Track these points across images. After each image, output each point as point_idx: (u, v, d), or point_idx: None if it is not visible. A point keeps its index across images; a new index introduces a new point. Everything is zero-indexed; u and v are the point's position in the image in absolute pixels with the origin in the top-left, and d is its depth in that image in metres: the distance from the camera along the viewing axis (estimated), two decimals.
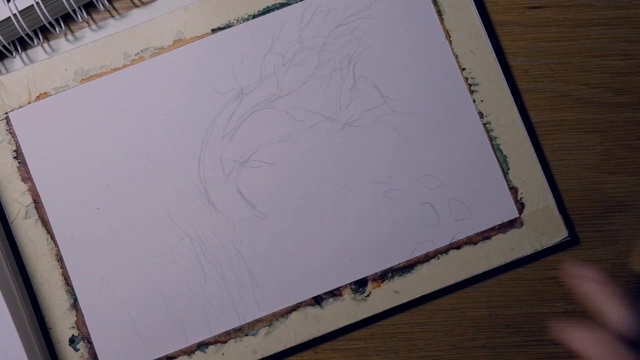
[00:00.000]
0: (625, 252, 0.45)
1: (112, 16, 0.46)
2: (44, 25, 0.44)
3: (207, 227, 0.43)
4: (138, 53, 0.44)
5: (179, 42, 0.44)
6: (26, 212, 0.43)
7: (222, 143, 0.44)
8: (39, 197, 0.43)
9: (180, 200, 0.43)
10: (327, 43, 0.44)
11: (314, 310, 0.43)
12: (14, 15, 0.43)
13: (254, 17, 0.44)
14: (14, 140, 0.43)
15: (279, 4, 0.44)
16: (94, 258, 0.43)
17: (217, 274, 0.43)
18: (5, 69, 0.45)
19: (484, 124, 0.44)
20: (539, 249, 0.43)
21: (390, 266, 0.43)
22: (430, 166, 0.44)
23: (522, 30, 0.46)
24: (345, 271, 0.43)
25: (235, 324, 0.43)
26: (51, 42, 0.45)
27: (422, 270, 0.43)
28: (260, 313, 0.43)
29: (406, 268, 0.43)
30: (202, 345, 0.43)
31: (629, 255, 0.45)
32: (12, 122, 0.43)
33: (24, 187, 0.43)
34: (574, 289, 0.33)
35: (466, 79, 0.44)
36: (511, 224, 0.44)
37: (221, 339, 0.43)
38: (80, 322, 0.43)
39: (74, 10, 0.44)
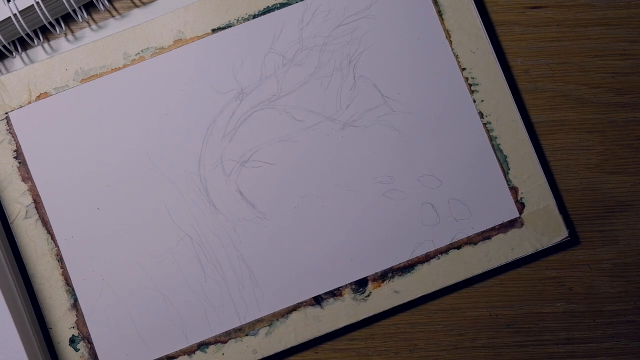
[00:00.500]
0: (626, 252, 0.45)
1: (112, 16, 0.46)
2: (44, 25, 0.44)
3: (207, 227, 0.43)
4: (138, 53, 0.44)
5: (179, 42, 0.44)
6: (26, 212, 0.43)
7: (222, 143, 0.44)
8: (39, 197, 0.43)
9: (180, 200, 0.43)
10: (328, 43, 0.44)
11: (314, 310, 0.43)
12: (14, 15, 0.43)
13: (254, 17, 0.44)
14: (14, 140, 0.43)
15: (279, 4, 0.44)
16: (94, 258, 0.43)
17: (217, 274, 0.43)
18: (6, 69, 0.45)
19: (484, 124, 0.44)
20: (540, 248, 0.43)
21: (390, 266, 0.43)
22: (430, 166, 0.44)
23: (522, 30, 0.46)
24: (345, 271, 0.43)
25: (236, 323, 0.43)
26: (51, 42, 0.45)
27: (422, 270, 0.43)
28: (261, 313, 0.43)
29: (406, 268, 0.43)
30: (202, 345, 0.43)
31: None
32: (12, 122, 0.43)
33: (24, 187, 0.43)
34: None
35: (466, 79, 0.44)
36: (511, 224, 0.44)
37: (221, 339, 0.43)
38: (80, 322, 0.43)
39: (74, 10, 0.44)
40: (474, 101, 0.44)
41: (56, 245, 0.43)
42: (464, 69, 0.44)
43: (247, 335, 0.43)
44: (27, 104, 0.44)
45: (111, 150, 0.43)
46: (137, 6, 0.46)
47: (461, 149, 0.44)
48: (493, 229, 0.43)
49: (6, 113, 0.43)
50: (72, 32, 0.46)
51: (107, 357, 0.42)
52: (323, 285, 0.43)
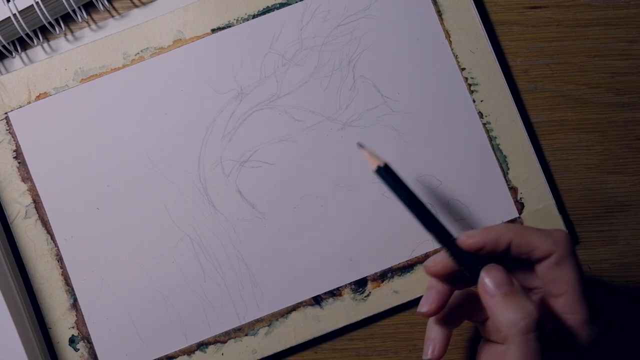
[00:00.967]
0: (625, 252, 0.45)
1: (112, 16, 0.46)
2: (44, 25, 0.44)
3: (207, 227, 0.43)
4: (138, 53, 0.44)
5: (178, 42, 0.44)
6: (26, 212, 0.43)
7: (222, 143, 0.44)
8: (39, 197, 0.43)
9: (179, 200, 0.43)
10: (327, 43, 0.44)
11: (314, 310, 0.43)
12: (14, 15, 0.43)
13: (254, 17, 0.44)
14: (14, 140, 0.43)
15: (279, 4, 0.44)
16: (93, 258, 0.43)
17: (217, 274, 0.43)
18: (5, 69, 0.45)
19: (484, 124, 0.44)
20: None
21: (390, 266, 0.43)
22: (430, 166, 0.44)
23: (522, 30, 0.46)
24: (345, 271, 0.43)
25: (235, 323, 0.43)
26: (51, 42, 0.45)
27: (422, 270, 0.43)
28: (260, 313, 0.43)
29: (406, 268, 0.43)
30: (202, 345, 0.43)
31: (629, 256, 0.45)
32: (12, 122, 0.43)
33: (24, 187, 0.43)
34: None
35: (466, 79, 0.44)
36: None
37: (221, 339, 0.43)
38: (80, 322, 0.43)
39: (73, 10, 0.44)
40: (474, 101, 0.44)
41: (56, 245, 0.43)
42: (463, 69, 0.44)
43: (246, 335, 0.43)
44: (27, 104, 0.44)
45: (111, 150, 0.43)
46: (136, 6, 0.46)
47: (461, 149, 0.44)
48: None
49: (6, 113, 0.43)
50: (72, 32, 0.46)
51: (107, 357, 0.42)
52: (322, 285, 0.43)
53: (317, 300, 0.43)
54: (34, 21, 0.44)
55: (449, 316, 0.37)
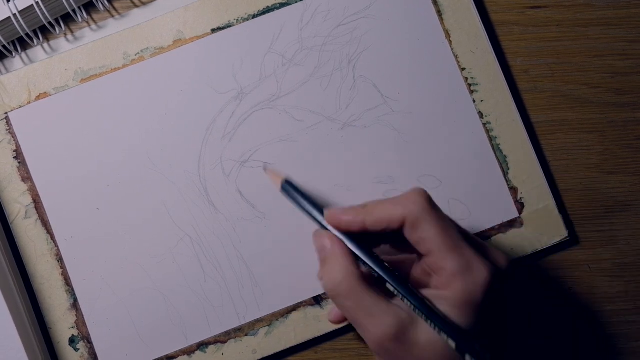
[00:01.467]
0: (625, 252, 0.45)
1: (112, 16, 0.46)
2: (44, 25, 0.44)
3: (207, 227, 0.43)
4: (138, 53, 0.44)
5: (179, 42, 0.44)
6: (26, 212, 0.43)
7: (222, 143, 0.44)
8: (39, 197, 0.43)
9: (180, 200, 0.43)
10: (327, 43, 0.44)
11: (314, 310, 0.43)
12: (14, 15, 0.43)
13: (254, 17, 0.44)
14: (14, 140, 0.43)
15: (279, 4, 0.44)
16: (94, 258, 0.43)
17: (217, 274, 0.43)
18: (5, 69, 0.45)
19: (484, 124, 0.44)
20: (539, 249, 0.43)
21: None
22: (430, 166, 0.44)
23: (522, 30, 0.46)
24: None
25: (235, 323, 0.43)
26: (51, 42, 0.45)
27: None
28: (260, 313, 0.43)
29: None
30: (202, 345, 0.43)
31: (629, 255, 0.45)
32: (12, 122, 0.43)
33: (24, 187, 0.43)
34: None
35: (466, 79, 0.44)
36: (511, 224, 0.44)
37: (221, 339, 0.43)
38: (80, 322, 0.43)
39: (73, 10, 0.44)
40: (474, 101, 0.44)
41: (56, 245, 0.43)
42: (463, 69, 0.44)
43: (246, 335, 0.43)
44: (27, 104, 0.44)
45: (111, 150, 0.43)
46: (136, 6, 0.46)
47: (461, 149, 0.44)
48: (492, 229, 0.43)
49: (6, 113, 0.43)
50: (72, 32, 0.46)
51: (107, 357, 0.42)
52: None
53: (317, 300, 0.43)
54: (34, 21, 0.44)
55: None
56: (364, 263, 0.35)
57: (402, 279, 0.34)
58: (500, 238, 0.43)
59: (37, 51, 0.45)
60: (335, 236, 0.36)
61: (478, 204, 0.44)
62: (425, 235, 0.34)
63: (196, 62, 0.44)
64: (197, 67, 0.44)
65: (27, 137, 0.43)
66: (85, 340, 0.43)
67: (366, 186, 0.44)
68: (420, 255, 0.35)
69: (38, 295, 0.43)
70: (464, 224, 0.43)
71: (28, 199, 0.43)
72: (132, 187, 0.43)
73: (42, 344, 0.42)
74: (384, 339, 0.32)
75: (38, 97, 0.44)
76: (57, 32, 0.45)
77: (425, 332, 0.33)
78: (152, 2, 0.46)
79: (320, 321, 0.43)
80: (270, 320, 0.43)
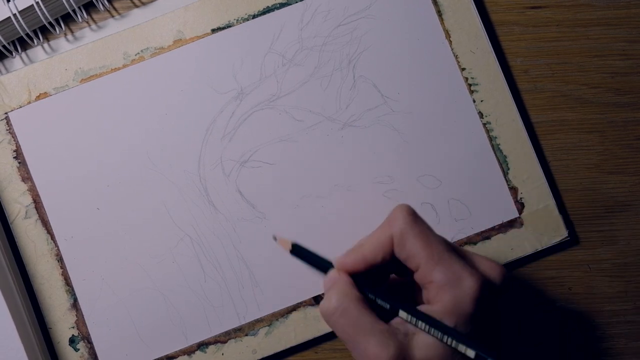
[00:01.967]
0: (625, 252, 0.45)
1: (112, 16, 0.46)
2: (44, 25, 0.44)
3: (207, 227, 0.43)
4: (138, 53, 0.44)
5: (179, 42, 0.44)
6: (26, 212, 0.43)
7: (222, 143, 0.44)
8: (39, 197, 0.43)
9: (180, 200, 0.43)
10: (327, 43, 0.44)
11: (314, 310, 0.43)
12: (14, 15, 0.43)
13: (254, 17, 0.44)
14: (14, 140, 0.43)
15: (279, 4, 0.44)
16: (94, 258, 0.43)
17: (217, 274, 0.43)
18: (5, 69, 0.45)
19: (484, 124, 0.44)
20: (539, 249, 0.43)
21: None
22: (430, 166, 0.44)
23: (522, 30, 0.46)
24: None
25: (235, 324, 0.43)
26: (51, 42, 0.45)
27: None
28: (260, 313, 0.43)
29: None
30: (202, 345, 0.43)
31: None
32: (12, 122, 0.43)
33: (24, 187, 0.43)
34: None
35: (466, 79, 0.44)
36: (511, 224, 0.44)
37: (221, 339, 0.43)
38: (80, 322, 0.43)
39: (74, 10, 0.44)
40: (474, 101, 0.44)
41: (56, 245, 0.43)
42: (463, 69, 0.44)
43: (246, 335, 0.43)
44: (27, 104, 0.44)
45: (111, 150, 0.43)
46: (136, 6, 0.46)
47: (461, 149, 0.44)
48: (492, 229, 0.44)
49: (6, 113, 0.43)
50: (72, 32, 0.46)
51: (107, 357, 0.42)
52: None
53: (317, 300, 0.43)
54: (34, 21, 0.44)
55: None
56: (375, 299, 0.35)
57: (411, 306, 0.34)
58: (500, 238, 0.43)
59: (37, 51, 0.45)
60: (341, 271, 0.35)
61: (478, 204, 0.44)
62: (412, 250, 0.33)
63: (196, 62, 0.44)
64: (197, 67, 0.44)
65: (27, 137, 0.43)
66: (85, 340, 0.43)
67: (366, 186, 0.44)
68: (412, 273, 0.35)
69: (38, 295, 0.43)
70: (464, 224, 0.43)
71: (28, 199, 0.43)
72: (132, 187, 0.43)
73: (42, 344, 0.42)
74: (387, 358, 0.32)
75: (38, 97, 0.44)
76: (57, 32, 0.45)
77: (421, 349, 0.32)
78: (152, 2, 0.46)
79: (320, 321, 0.43)
80: (270, 320, 0.43)
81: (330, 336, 0.44)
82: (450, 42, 0.44)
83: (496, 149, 0.44)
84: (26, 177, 0.43)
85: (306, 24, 0.44)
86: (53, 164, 0.43)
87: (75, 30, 0.46)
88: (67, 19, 0.46)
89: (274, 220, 0.43)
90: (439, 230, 0.43)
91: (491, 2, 0.46)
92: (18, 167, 0.43)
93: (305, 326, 0.43)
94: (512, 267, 0.44)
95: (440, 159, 0.44)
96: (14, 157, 0.43)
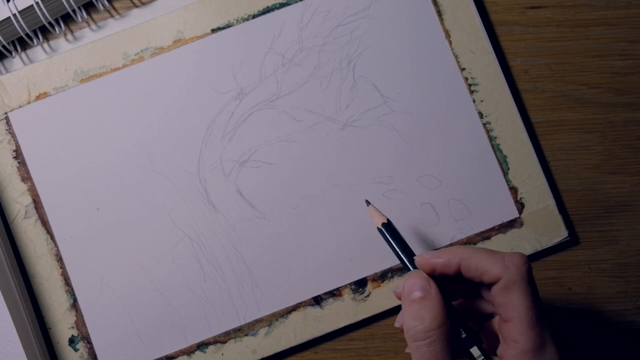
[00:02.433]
0: (626, 252, 0.45)
1: (112, 16, 0.46)
2: (44, 25, 0.44)
3: (207, 227, 0.43)
4: (138, 53, 0.44)
5: (178, 42, 0.44)
6: (26, 212, 0.43)
7: (222, 143, 0.44)
8: (39, 197, 0.43)
9: (180, 200, 0.43)
10: (327, 43, 0.44)
11: (314, 310, 0.43)
12: (14, 15, 0.43)
13: (254, 17, 0.44)
14: (14, 140, 0.43)
15: (279, 4, 0.44)
16: (93, 258, 0.43)
17: (217, 274, 0.43)
18: (5, 69, 0.45)
19: (484, 124, 0.44)
20: (539, 249, 0.43)
21: (390, 266, 0.43)
22: (430, 166, 0.44)
23: (522, 30, 0.46)
24: (344, 271, 0.43)
25: (235, 324, 0.43)
26: (51, 42, 0.45)
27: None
28: (260, 313, 0.43)
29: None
30: (201, 345, 0.43)
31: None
32: (12, 122, 0.43)
33: (23, 187, 0.43)
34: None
35: (466, 79, 0.44)
36: (511, 224, 0.44)
37: (221, 339, 0.43)
38: (80, 322, 0.43)
39: (73, 10, 0.44)
40: (474, 101, 0.44)
41: (55, 245, 0.43)
42: (463, 69, 0.44)
43: (246, 335, 0.43)
44: (27, 104, 0.44)
45: (111, 150, 0.43)
46: (136, 6, 0.46)
47: (461, 149, 0.44)
48: (492, 229, 0.43)
49: (6, 113, 0.43)
50: (72, 32, 0.46)
51: (107, 357, 0.42)
52: (323, 286, 0.43)
53: (317, 301, 0.43)
54: (34, 21, 0.44)
55: None
56: (459, 328, 0.35)
57: (485, 351, 0.34)
58: (500, 238, 0.43)
59: (37, 51, 0.45)
60: (433, 285, 0.35)
61: (478, 204, 0.44)
62: (514, 303, 0.33)
63: (196, 62, 0.44)
64: (197, 67, 0.44)
65: (27, 137, 0.43)
66: (85, 341, 0.43)
67: (366, 186, 0.43)
68: (483, 311, 0.35)
69: (38, 295, 0.43)
70: (464, 224, 0.43)
71: (28, 199, 0.43)
72: (131, 187, 0.43)
73: (42, 344, 0.42)
74: None
75: (38, 97, 0.44)
76: (57, 32, 0.45)
77: None
78: (152, 2, 0.46)
79: (320, 321, 0.43)
80: (270, 320, 0.43)
81: (330, 336, 0.44)
82: (450, 42, 0.44)
83: (496, 149, 0.44)
84: (26, 177, 0.43)
85: (306, 24, 0.44)
86: (53, 164, 0.43)
87: (75, 30, 0.46)
88: (67, 19, 0.46)
89: (274, 220, 0.43)
90: (439, 230, 0.43)
91: (491, 2, 0.46)
92: (18, 167, 0.43)
93: (305, 326, 0.43)
94: None
95: (440, 159, 0.44)
96: (13, 157, 0.43)
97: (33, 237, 0.43)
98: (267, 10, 0.44)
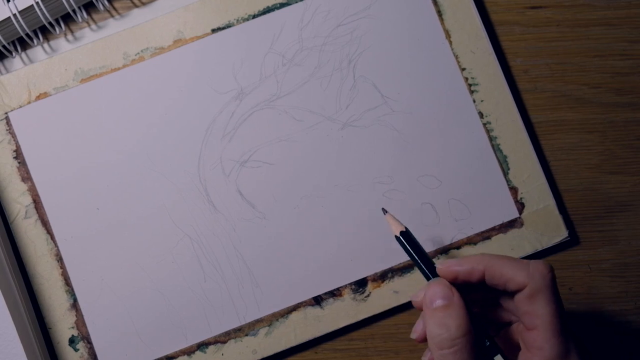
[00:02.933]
0: (626, 252, 0.45)
1: (112, 16, 0.46)
2: (44, 25, 0.44)
3: (207, 227, 0.43)
4: (138, 53, 0.44)
5: (179, 42, 0.44)
6: (26, 212, 0.43)
7: (222, 143, 0.44)
8: (39, 197, 0.43)
9: (180, 200, 0.43)
10: (327, 43, 0.44)
11: (314, 310, 0.43)
12: (14, 15, 0.43)
13: (254, 17, 0.44)
14: (14, 140, 0.43)
15: (279, 4, 0.44)
16: (93, 258, 0.43)
17: (217, 274, 0.43)
18: (5, 69, 0.45)
19: (484, 124, 0.44)
20: (539, 249, 0.43)
21: (390, 266, 0.43)
22: (430, 166, 0.44)
23: (522, 30, 0.46)
24: (345, 271, 0.43)
25: (235, 324, 0.43)
26: (51, 42, 0.45)
27: None
28: (260, 313, 0.43)
29: (406, 268, 0.43)
30: (202, 345, 0.43)
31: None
32: (12, 122, 0.43)
33: (23, 187, 0.43)
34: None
35: (466, 79, 0.44)
36: (511, 224, 0.44)
37: (221, 339, 0.43)
38: (80, 322, 0.43)
39: (73, 10, 0.44)
40: (474, 101, 0.44)
41: (56, 245, 0.43)
42: (463, 69, 0.44)
43: (246, 335, 0.43)
44: (27, 104, 0.44)
45: (111, 150, 0.43)
46: (136, 6, 0.46)
47: (461, 149, 0.44)
48: (493, 229, 0.43)
49: (6, 113, 0.43)
50: (72, 32, 0.46)
51: (107, 357, 0.42)
52: (323, 286, 0.43)
53: (317, 301, 0.43)
54: (34, 21, 0.44)
55: None
56: (484, 337, 0.35)
57: (506, 357, 0.34)
58: (501, 238, 0.43)
59: (37, 51, 0.45)
60: (455, 293, 0.34)
61: (478, 204, 0.44)
62: (539, 311, 0.33)
63: (196, 62, 0.44)
64: (197, 67, 0.44)
65: (27, 137, 0.43)
66: (85, 341, 0.43)
67: (366, 186, 0.43)
68: (504, 318, 0.35)
69: (38, 296, 0.43)
70: (464, 224, 0.43)
71: (28, 199, 0.43)
72: (132, 187, 0.43)
73: (42, 344, 0.42)
74: None
75: (38, 97, 0.44)
76: (57, 32, 0.45)
77: None
78: (152, 2, 0.46)
79: (321, 321, 0.43)
80: (270, 320, 0.43)
81: (330, 336, 0.44)
82: (450, 42, 0.44)
83: (496, 149, 0.44)
84: (26, 177, 0.43)
85: (306, 24, 0.44)
86: (53, 164, 0.43)
87: (75, 30, 0.46)
88: (67, 19, 0.46)
89: (274, 220, 0.43)
90: (439, 230, 0.43)
91: (491, 2, 0.46)
92: (18, 167, 0.43)
93: (305, 326, 0.43)
94: None
95: (440, 159, 0.44)
96: (14, 157, 0.43)
97: (33, 237, 0.43)
98: (268, 10, 0.44)
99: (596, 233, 0.45)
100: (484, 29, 0.44)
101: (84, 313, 0.43)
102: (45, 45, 0.45)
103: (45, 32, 0.45)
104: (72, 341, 0.43)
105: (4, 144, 0.43)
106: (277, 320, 0.43)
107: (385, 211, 0.39)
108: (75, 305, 0.43)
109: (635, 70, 0.45)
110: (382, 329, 0.44)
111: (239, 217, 0.43)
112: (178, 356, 0.43)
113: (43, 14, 0.43)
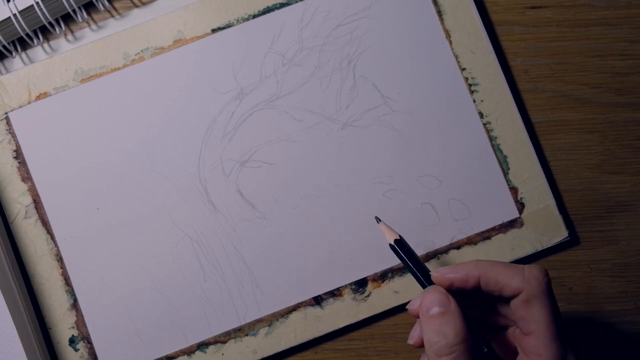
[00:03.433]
0: (626, 252, 0.45)
1: (112, 16, 0.46)
2: (44, 25, 0.44)
3: (207, 227, 0.43)
4: (138, 53, 0.44)
5: (179, 42, 0.44)
6: (26, 212, 0.43)
7: (222, 143, 0.44)
8: (39, 197, 0.43)
9: (180, 200, 0.43)
10: (327, 43, 0.44)
11: (314, 310, 0.43)
12: (14, 15, 0.43)
13: (254, 17, 0.44)
14: (14, 140, 0.43)
15: (279, 4, 0.44)
16: (94, 258, 0.43)
17: (217, 274, 0.43)
18: (5, 69, 0.45)
19: (484, 124, 0.44)
20: (539, 249, 0.43)
21: (390, 266, 0.43)
22: (430, 166, 0.44)
23: (522, 30, 0.46)
24: (345, 271, 0.43)
25: (235, 324, 0.43)
26: (51, 42, 0.45)
27: None
28: (260, 313, 0.43)
29: (406, 268, 0.43)
30: (202, 345, 0.43)
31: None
32: (12, 122, 0.43)
33: (24, 187, 0.43)
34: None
35: (466, 79, 0.44)
36: (511, 224, 0.44)
37: (221, 339, 0.43)
38: (80, 322, 0.43)
39: (74, 10, 0.44)
40: (474, 101, 0.44)
41: (56, 245, 0.43)
42: (463, 69, 0.44)
43: (246, 335, 0.43)
44: (27, 104, 0.44)
45: (111, 150, 0.43)
46: (136, 6, 0.46)
47: (461, 149, 0.44)
48: (493, 229, 0.43)
49: (6, 113, 0.43)
50: (72, 32, 0.46)
51: (107, 357, 0.42)
52: (323, 286, 0.43)
53: (317, 301, 0.43)
54: (34, 21, 0.44)
55: None
56: (482, 344, 0.35)
57: None
58: (501, 238, 0.43)
59: (37, 51, 0.45)
60: (452, 299, 0.34)
61: (478, 204, 0.44)
62: (535, 316, 0.33)
63: (196, 62, 0.44)
64: (197, 67, 0.44)
65: (27, 137, 0.43)
66: (85, 341, 0.43)
67: (366, 186, 0.43)
68: (501, 323, 0.35)
69: (38, 296, 0.43)
70: (464, 224, 0.43)
71: (28, 199, 0.43)
72: (131, 187, 0.43)
73: (42, 344, 0.42)
74: None
75: (38, 97, 0.44)
76: (57, 32, 0.45)
77: None
78: (152, 2, 0.46)
79: (321, 321, 0.43)
80: (270, 320, 0.43)
81: (330, 336, 0.44)
82: (450, 42, 0.44)
83: (496, 149, 0.44)
84: (26, 177, 0.43)
85: (306, 24, 0.44)
86: (53, 164, 0.43)
87: (75, 30, 0.46)
88: (67, 19, 0.46)
89: (274, 220, 0.43)
90: (439, 230, 0.43)
91: (491, 2, 0.46)
92: (18, 167, 0.43)
93: (305, 326, 0.43)
94: None
95: (440, 159, 0.44)
96: (14, 157, 0.43)
97: (33, 237, 0.43)
98: (268, 10, 0.44)
99: (596, 233, 0.45)
100: (484, 29, 0.44)
101: (84, 313, 0.43)
102: (45, 45, 0.45)
103: (45, 32, 0.45)
104: (72, 341, 0.43)
105: (4, 144, 0.43)
106: (277, 320, 0.43)
107: (378, 220, 0.39)
108: (75, 305, 0.43)
109: (635, 70, 0.45)
110: (382, 329, 0.44)
111: (239, 217, 0.43)
112: (178, 356, 0.43)
113: (43, 14, 0.43)
